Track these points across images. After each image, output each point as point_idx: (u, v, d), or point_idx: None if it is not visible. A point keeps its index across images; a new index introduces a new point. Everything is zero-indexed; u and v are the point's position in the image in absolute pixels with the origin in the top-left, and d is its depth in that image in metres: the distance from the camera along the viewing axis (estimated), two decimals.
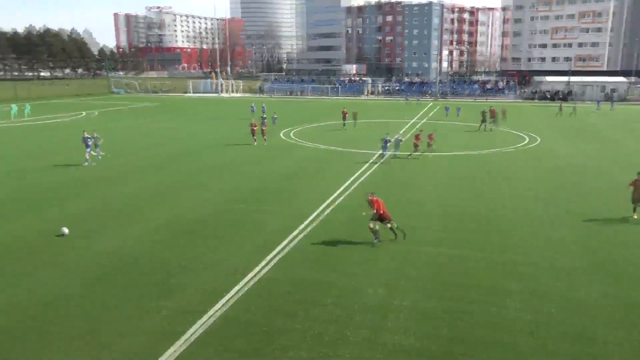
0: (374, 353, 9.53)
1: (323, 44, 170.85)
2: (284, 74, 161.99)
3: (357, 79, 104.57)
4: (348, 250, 14.61)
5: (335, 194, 20.80)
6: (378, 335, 10.10)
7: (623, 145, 34.52)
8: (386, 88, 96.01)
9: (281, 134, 38.79)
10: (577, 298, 11.70)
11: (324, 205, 19.10)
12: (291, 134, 39.08)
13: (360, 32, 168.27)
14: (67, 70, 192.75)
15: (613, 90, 79.31)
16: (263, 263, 13.54)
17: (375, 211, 14.90)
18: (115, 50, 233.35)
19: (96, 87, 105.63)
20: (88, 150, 26.69)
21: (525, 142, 35.44)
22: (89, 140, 26.83)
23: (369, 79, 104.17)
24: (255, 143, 33.49)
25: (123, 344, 9.64)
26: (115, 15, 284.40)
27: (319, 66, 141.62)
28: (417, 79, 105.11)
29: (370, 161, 27.99)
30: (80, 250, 14.45)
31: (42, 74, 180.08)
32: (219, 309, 11.05)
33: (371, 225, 14.95)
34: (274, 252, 14.28)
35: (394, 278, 12.72)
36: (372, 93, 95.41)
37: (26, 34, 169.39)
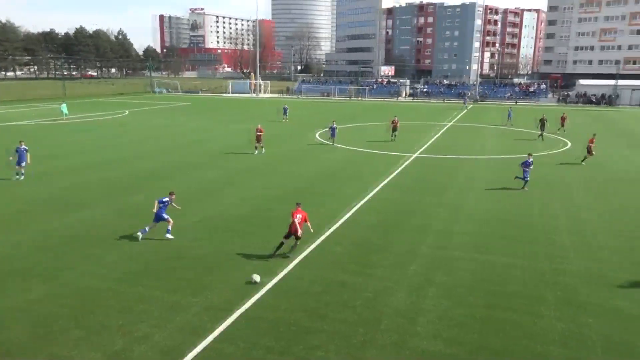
0: (402, 357, 9.44)
1: (357, 45, 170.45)
2: (322, 75, 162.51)
3: (396, 81, 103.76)
4: (377, 253, 14.51)
5: (367, 197, 20.74)
6: (406, 339, 9.99)
7: None
8: (424, 90, 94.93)
9: (317, 135, 38.93)
10: (616, 309, 11.26)
11: (354, 208, 19.08)
12: (319, 135, 39.19)
13: (396, 33, 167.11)
14: (113, 70, 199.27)
15: None
16: (294, 263, 13.62)
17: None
18: (159, 50, 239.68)
19: (139, 87, 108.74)
20: (23, 163, 22.96)
21: (567, 147, 34.35)
22: (24, 150, 23.03)
23: (407, 81, 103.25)
24: (256, 152, 30.28)
25: (155, 338, 9.87)
26: (161, 17, 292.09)
27: (355, 67, 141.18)
28: (455, 82, 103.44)
29: (404, 164, 27.78)
30: (121, 245, 14.88)
31: (90, 72, 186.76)
32: (249, 307, 11.18)
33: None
34: (306, 253, 14.34)
35: (426, 283, 12.56)
36: (410, 95, 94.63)
37: (76, 34, 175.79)
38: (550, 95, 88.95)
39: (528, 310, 11.22)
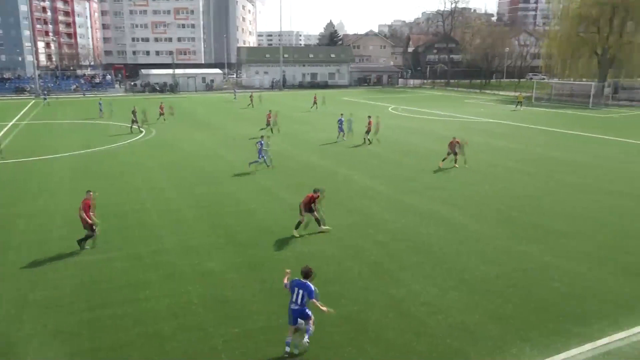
0: None
1: None
2: None
3: None
4: None
5: None
6: None
7: (229, 129, 39.41)
8: None
9: None
10: (208, 270, 12.83)
11: None
12: None
13: None
14: None
15: (212, 81, 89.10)
16: None
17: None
18: None
19: None
20: None
21: (142, 135, 36.01)
22: None
23: None
24: None
25: None
26: None
27: None
28: (9, 75, 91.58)
29: None
30: None
31: None
32: None
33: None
34: None
35: (21, 305, 10.98)
36: None
37: None
38: (117, 85, 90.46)
39: (134, 297, 11.42)
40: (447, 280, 12.25)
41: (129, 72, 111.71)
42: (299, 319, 9.10)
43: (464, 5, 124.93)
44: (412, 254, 13.85)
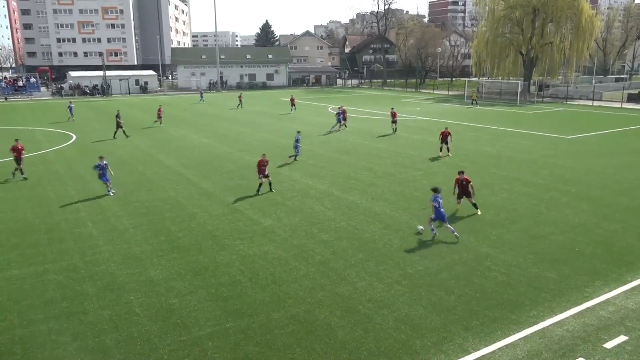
0: None
1: None
2: None
3: None
4: None
5: None
6: None
7: (171, 134, 38.28)
8: None
9: None
10: (150, 279, 12.41)
11: None
12: None
13: None
14: None
15: (146, 83, 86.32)
16: None
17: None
18: None
19: None
20: None
21: (73, 140, 34.31)
22: None
23: None
24: None
25: None
26: None
27: None
28: None
29: None
30: None
31: None
32: None
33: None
34: None
35: None
36: None
37: None
38: (43, 89, 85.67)
39: (72, 310, 10.86)
40: (391, 275, 12.51)
41: (56, 74, 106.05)
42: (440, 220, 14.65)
43: (396, 7, 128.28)
44: (357, 252, 14.05)
